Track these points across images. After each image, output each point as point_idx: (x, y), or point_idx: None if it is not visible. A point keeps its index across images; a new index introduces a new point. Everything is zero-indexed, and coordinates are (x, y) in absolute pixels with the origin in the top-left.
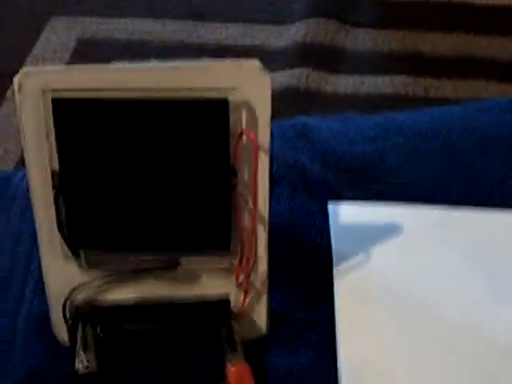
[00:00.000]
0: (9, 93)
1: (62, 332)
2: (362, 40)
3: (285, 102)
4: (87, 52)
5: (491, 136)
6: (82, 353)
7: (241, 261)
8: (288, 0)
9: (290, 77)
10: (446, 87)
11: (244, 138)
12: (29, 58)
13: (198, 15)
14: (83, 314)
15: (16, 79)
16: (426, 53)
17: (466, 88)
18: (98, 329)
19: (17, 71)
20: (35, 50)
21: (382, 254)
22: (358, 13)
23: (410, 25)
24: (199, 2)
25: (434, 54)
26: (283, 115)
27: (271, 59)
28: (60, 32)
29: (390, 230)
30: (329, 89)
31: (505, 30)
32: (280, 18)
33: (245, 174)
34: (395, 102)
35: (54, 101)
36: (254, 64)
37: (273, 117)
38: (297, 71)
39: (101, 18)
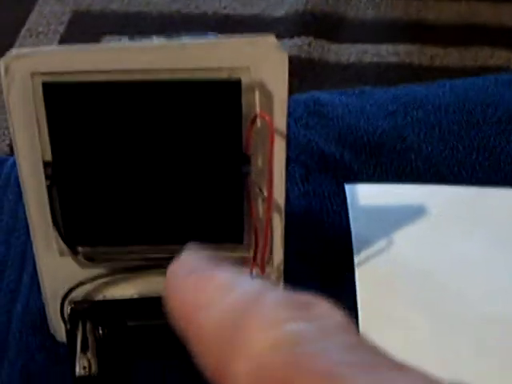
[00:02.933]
0: None
1: (59, 331)
2: (363, 8)
3: None
4: (83, 25)
5: None
6: (81, 353)
7: (255, 253)
8: None
9: (291, 46)
10: (451, 56)
11: (258, 121)
12: (22, 32)
13: None
14: (82, 312)
15: (2, 62)
16: (430, 20)
17: (473, 56)
18: (99, 327)
19: (11, 46)
20: (28, 24)
21: (405, 237)
22: None
23: None
24: None
25: (438, 22)
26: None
27: (271, 28)
28: (54, 4)
29: (412, 212)
30: (331, 58)
31: None
32: None
33: (259, 161)
34: (400, 70)
35: (45, 85)
36: (270, 40)
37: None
38: (298, 40)
39: None
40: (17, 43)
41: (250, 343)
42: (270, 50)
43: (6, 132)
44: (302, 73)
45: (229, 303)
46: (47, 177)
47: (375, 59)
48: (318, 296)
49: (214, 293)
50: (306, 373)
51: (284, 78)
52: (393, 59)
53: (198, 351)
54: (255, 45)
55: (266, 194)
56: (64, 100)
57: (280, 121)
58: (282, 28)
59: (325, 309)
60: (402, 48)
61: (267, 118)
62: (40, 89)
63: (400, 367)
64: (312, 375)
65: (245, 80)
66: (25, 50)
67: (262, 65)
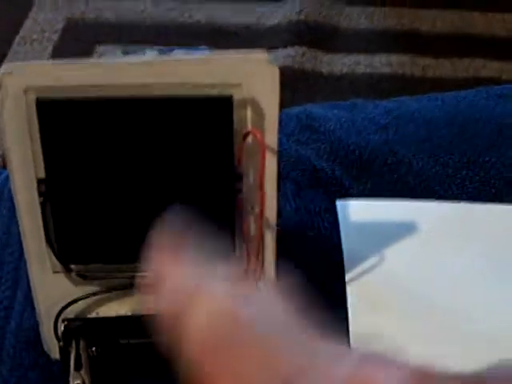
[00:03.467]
0: None
1: (53, 349)
2: (357, 18)
3: (280, 84)
4: (76, 33)
5: (509, 124)
6: (75, 371)
7: (246, 270)
8: None
9: (284, 56)
10: (444, 66)
11: (249, 138)
12: (16, 40)
13: None
14: (76, 330)
15: None
16: (423, 31)
17: (465, 67)
18: (92, 345)
19: (5, 54)
20: (22, 31)
21: (396, 253)
22: None
23: (407, 2)
24: None
25: (431, 33)
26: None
27: (264, 38)
28: (48, 12)
29: (403, 228)
30: (324, 69)
31: (503, 7)
32: None
33: (250, 177)
34: (392, 81)
35: (39, 101)
36: (262, 56)
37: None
38: (291, 50)
39: None
40: (11, 51)
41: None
42: (261, 66)
43: None
44: (294, 84)
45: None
46: (40, 194)
47: (368, 70)
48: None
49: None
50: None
51: (276, 95)
52: (385, 70)
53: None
54: (247, 61)
55: (257, 210)
56: (58, 116)
57: (271, 137)
58: (275, 38)
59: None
60: (394, 58)
61: (258, 135)
62: (34, 105)
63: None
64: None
65: (237, 96)
66: (18, 65)
67: (254, 81)
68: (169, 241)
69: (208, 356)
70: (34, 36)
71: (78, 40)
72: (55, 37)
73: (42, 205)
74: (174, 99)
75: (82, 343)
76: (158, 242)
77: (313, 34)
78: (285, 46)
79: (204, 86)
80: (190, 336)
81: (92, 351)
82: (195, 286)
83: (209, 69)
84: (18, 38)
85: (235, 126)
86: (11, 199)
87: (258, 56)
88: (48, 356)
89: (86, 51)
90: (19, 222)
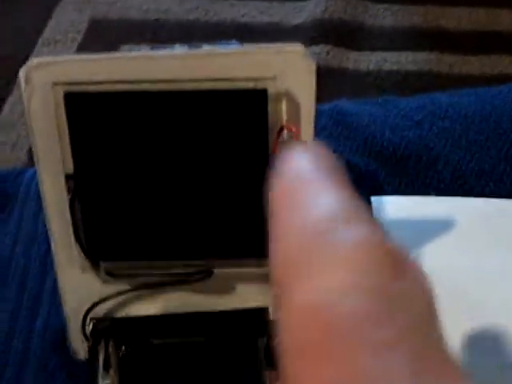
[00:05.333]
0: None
1: (80, 351)
2: (382, 15)
3: None
4: (100, 33)
5: None
6: (103, 372)
7: None
8: None
9: (310, 54)
10: (470, 63)
11: (285, 132)
12: (40, 40)
13: None
14: (105, 330)
15: (22, 71)
16: (449, 28)
17: (492, 64)
18: (122, 345)
19: (28, 54)
20: (46, 32)
21: (433, 251)
22: None
23: (432, 0)
24: None
25: (457, 30)
26: None
27: (290, 37)
28: (71, 12)
29: (440, 224)
30: (350, 66)
31: None
32: None
33: None
34: (419, 79)
35: (67, 95)
36: (297, 49)
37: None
38: (317, 48)
39: None
40: (34, 52)
41: (312, 281)
42: (297, 59)
43: (24, 140)
44: (320, 81)
45: (313, 223)
46: (69, 190)
47: (394, 67)
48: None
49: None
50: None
51: (311, 88)
52: (412, 67)
53: (273, 254)
54: (282, 54)
55: None
56: (86, 110)
57: (307, 132)
58: (300, 36)
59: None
60: (420, 56)
61: (294, 129)
62: (62, 99)
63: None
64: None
65: (271, 90)
66: (46, 59)
67: (289, 74)
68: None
69: (296, 357)
70: (58, 37)
71: (102, 40)
72: (79, 37)
73: (71, 201)
74: (207, 92)
75: (110, 343)
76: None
77: (338, 32)
78: (310, 45)
79: (238, 79)
80: (286, 321)
81: (121, 351)
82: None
83: (243, 62)
84: (41, 40)
85: (270, 119)
86: (38, 197)
87: (294, 49)
88: (75, 357)
89: (110, 51)
90: (46, 220)
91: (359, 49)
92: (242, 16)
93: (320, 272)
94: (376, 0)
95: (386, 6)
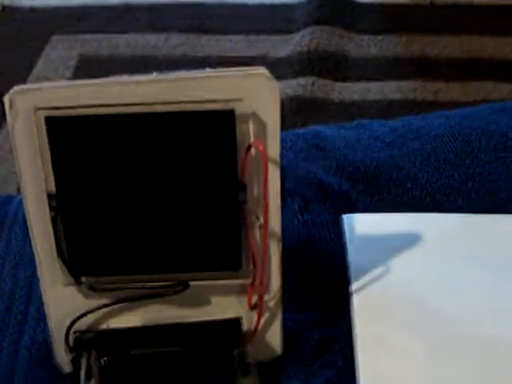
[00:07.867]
0: None
1: (64, 362)
2: (366, 46)
3: (291, 112)
4: (89, 69)
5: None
6: (85, 382)
7: (253, 281)
8: (290, 9)
9: (295, 86)
10: (454, 90)
11: (252, 150)
12: (30, 77)
13: (200, 28)
14: (87, 342)
15: (6, 97)
16: (432, 56)
17: (476, 90)
18: (103, 356)
19: None
20: (36, 69)
21: (401, 266)
22: (361, 18)
23: (415, 29)
24: (201, 14)
25: (440, 57)
26: (290, 125)
27: (276, 69)
28: (61, 50)
29: (408, 241)
30: (335, 96)
31: None
32: (283, 27)
33: (254, 189)
34: (404, 107)
35: (48, 119)
36: (261, 72)
37: (280, 127)
38: (302, 80)
39: (102, 35)
40: None
41: None
42: (262, 81)
43: (14, 176)
44: (306, 111)
45: None
46: (51, 208)
47: (378, 96)
48: None
49: None
50: None
51: (276, 108)
52: (396, 96)
53: None
54: (248, 77)
55: (262, 221)
56: (66, 133)
57: (273, 149)
58: (285, 68)
59: None
60: (405, 84)
61: (261, 147)
62: (43, 122)
63: None
64: None
65: (238, 110)
66: (28, 86)
67: (255, 96)
68: None
69: None
70: (48, 74)
71: (91, 77)
72: (68, 74)
73: (53, 219)
74: (179, 114)
75: (93, 354)
76: None
77: (323, 64)
78: (296, 76)
79: (207, 101)
80: None
81: (104, 361)
82: None
83: (211, 85)
84: (31, 77)
85: (238, 138)
86: (25, 222)
87: (259, 72)
88: (60, 370)
89: None
90: (31, 237)
91: (344, 79)
92: (228, 50)
93: None
94: (360, 30)
95: (370, 36)
